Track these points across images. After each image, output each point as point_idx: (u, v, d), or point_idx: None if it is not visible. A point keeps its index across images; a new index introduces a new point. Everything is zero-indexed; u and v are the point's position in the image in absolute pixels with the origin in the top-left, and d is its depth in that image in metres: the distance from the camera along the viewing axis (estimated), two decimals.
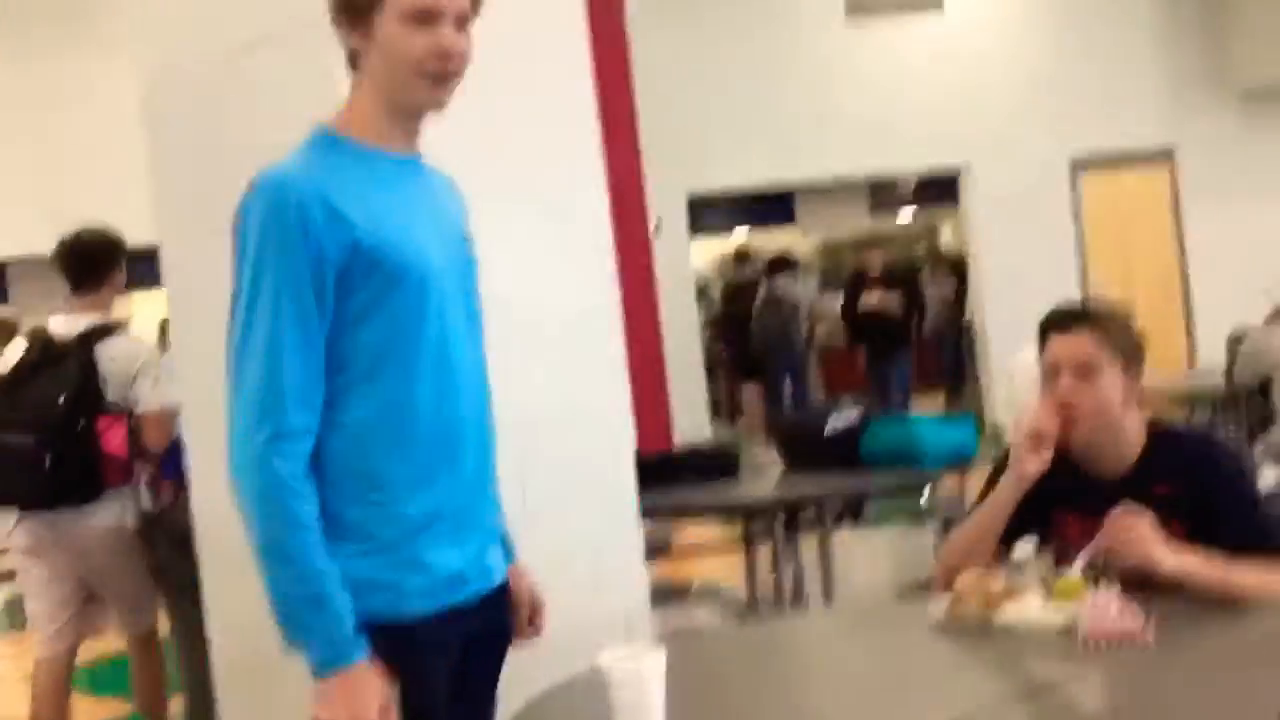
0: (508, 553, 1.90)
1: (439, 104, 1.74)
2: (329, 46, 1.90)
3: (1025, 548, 2.27)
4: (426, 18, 1.67)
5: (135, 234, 3.62)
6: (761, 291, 9.81)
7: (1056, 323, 2.21)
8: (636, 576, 2.94)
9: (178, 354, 3.05)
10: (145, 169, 2.97)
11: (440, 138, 2.57)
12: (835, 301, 10.17)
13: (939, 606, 2.07)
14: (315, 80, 2.46)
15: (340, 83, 1.80)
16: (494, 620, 1.82)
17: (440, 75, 1.70)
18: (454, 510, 1.73)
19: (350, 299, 1.64)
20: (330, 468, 1.64)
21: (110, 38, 5.96)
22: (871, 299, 8.88)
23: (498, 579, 1.82)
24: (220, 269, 1.74)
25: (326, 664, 1.59)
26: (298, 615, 1.61)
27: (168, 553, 3.42)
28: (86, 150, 7.35)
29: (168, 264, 2.98)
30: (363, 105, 1.74)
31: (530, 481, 2.68)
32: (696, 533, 5.60)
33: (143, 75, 2.95)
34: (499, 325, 2.64)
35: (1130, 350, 2.18)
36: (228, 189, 1.74)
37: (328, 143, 1.72)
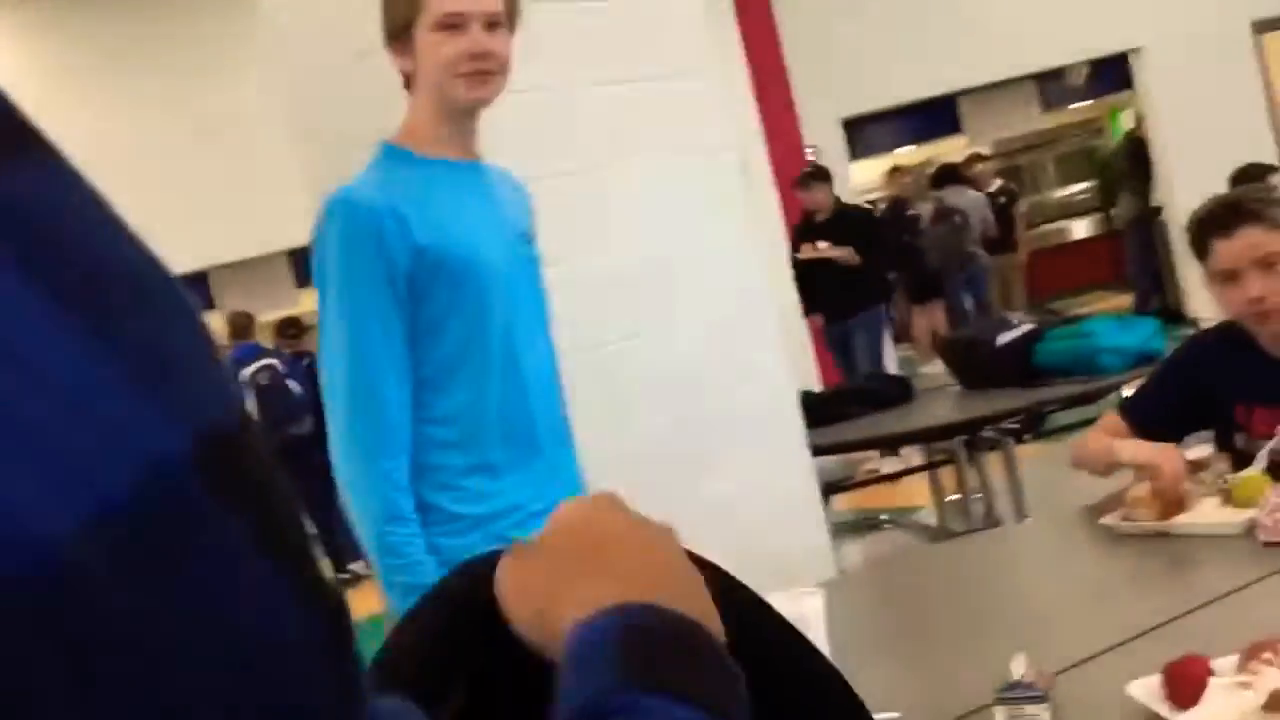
0: None
1: (482, 102, 1.84)
2: None
3: (1203, 448, 2.19)
4: (455, 24, 1.79)
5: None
6: (929, 207, 9.53)
7: (1217, 226, 2.10)
8: (813, 514, 2.96)
9: None
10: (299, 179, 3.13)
11: (583, 99, 2.63)
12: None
13: (1115, 516, 2.02)
14: None
15: None
16: None
17: (475, 74, 1.81)
18: (531, 499, 1.82)
19: (422, 307, 1.75)
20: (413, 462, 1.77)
21: (249, 63, 6.27)
22: (813, 248, 6.85)
23: None
24: None
25: None
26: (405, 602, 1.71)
27: None
28: (248, 166, 7.77)
29: None
30: (419, 117, 1.85)
31: (696, 432, 2.74)
32: (884, 463, 5.56)
33: (284, 87, 3.10)
34: (658, 280, 2.71)
35: None
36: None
37: (391, 156, 1.84)
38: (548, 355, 1.91)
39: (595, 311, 2.61)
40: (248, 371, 6.63)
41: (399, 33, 1.83)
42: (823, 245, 6.69)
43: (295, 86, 3.08)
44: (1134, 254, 9.89)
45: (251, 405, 6.52)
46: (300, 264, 10.35)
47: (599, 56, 2.71)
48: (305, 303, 11.47)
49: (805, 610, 1.59)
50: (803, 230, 7.10)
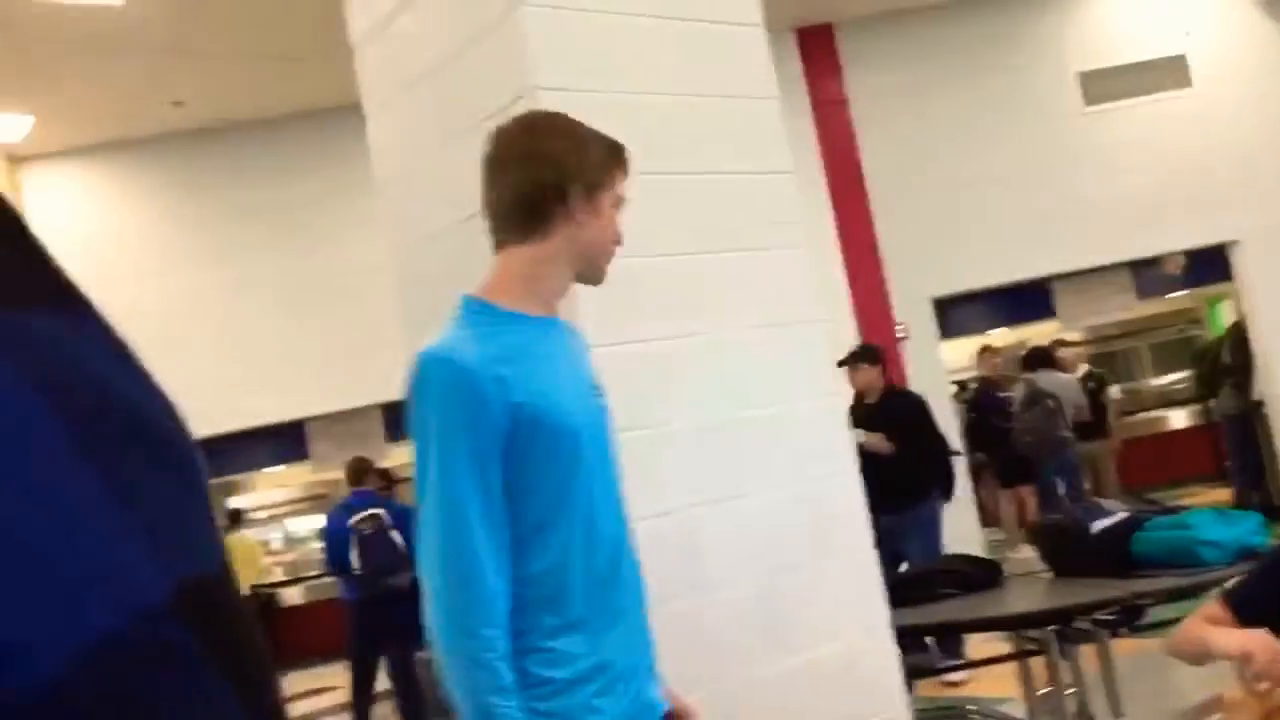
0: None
1: (604, 277, 1.91)
2: None
3: None
4: (619, 207, 1.86)
5: None
6: (1021, 389, 9.44)
7: None
8: (896, 698, 2.86)
9: None
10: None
11: (690, 274, 2.68)
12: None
13: None
14: None
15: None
16: None
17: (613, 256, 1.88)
18: (618, 658, 1.79)
19: (516, 466, 1.71)
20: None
21: (353, 223, 6.55)
22: (860, 436, 5.93)
23: (660, 711, 1.88)
24: None
25: None
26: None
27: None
28: (370, 318, 8.04)
29: None
30: (531, 272, 1.82)
31: (776, 607, 2.68)
32: (972, 649, 5.36)
33: (393, 248, 3.23)
34: (739, 446, 2.71)
35: None
36: None
37: (477, 310, 1.81)
38: (620, 510, 1.89)
39: (674, 475, 2.61)
40: (354, 519, 6.71)
41: (586, 190, 1.82)
42: (859, 434, 6.14)
43: (400, 246, 3.20)
44: (1234, 448, 9.63)
45: (355, 554, 6.59)
46: (391, 417, 10.55)
47: (696, 225, 2.77)
48: (395, 455, 11.66)
49: None
50: (854, 413, 6.83)
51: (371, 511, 6.86)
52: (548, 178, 1.80)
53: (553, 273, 1.83)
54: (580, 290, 2.46)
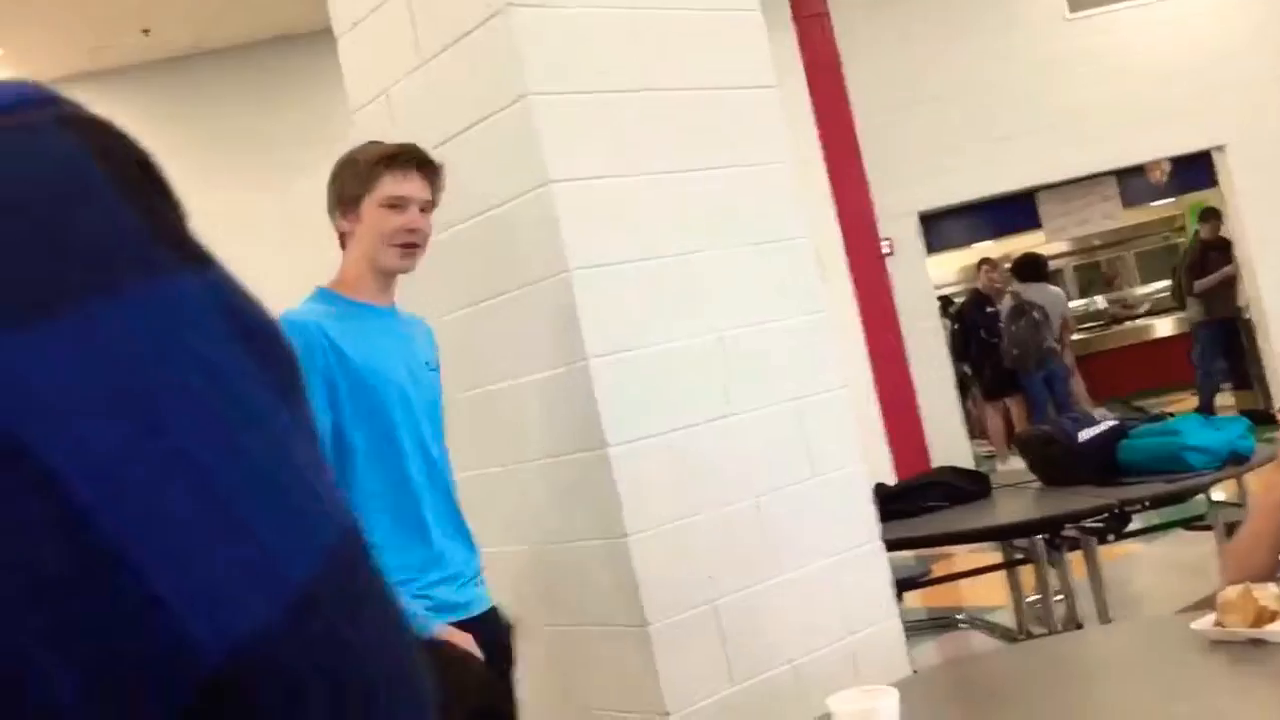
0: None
1: (407, 270, 2.36)
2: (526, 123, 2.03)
3: None
4: (397, 205, 2.30)
5: None
6: (1008, 301, 9.44)
7: None
8: (887, 610, 2.89)
9: None
10: None
11: (663, 179, 2.66)
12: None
13: (1206, 622, 1.94)
14: (520, 152, 2.59)
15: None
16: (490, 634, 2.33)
17: (406, 246, 2.32)
18: (408, 582, 2.22)
19: (343, 409, 2.21)
20: None
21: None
22: None
23: (481, 608, 2.37)
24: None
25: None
26: None
27: None
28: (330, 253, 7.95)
29: None
30: (352, 270, 2.35)
31: (764, 524, 2.69)
32: (961, 559, 5.43)
33: None
34: (723, 368, 2.70)
35: None
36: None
37: (325, 297, 2.33)
38: (440, 459, 2.39)
39: (660, 398, 2.60)
40: None
41: (349, 203, 2.32)
42: None
43: None
44: (1198, 357, 9.63)
45: None
46: None
47: (673, 145, 2.73)
48: None
49: (879, 708, 1.54)
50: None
51: None
52: (333, 194, 2.36)
53: (363, 266, 2.33)
54: (570, 209, 2.45)
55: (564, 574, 2.70)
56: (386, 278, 2.35)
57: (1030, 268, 9.56)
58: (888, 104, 8.92)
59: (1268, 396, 9.15)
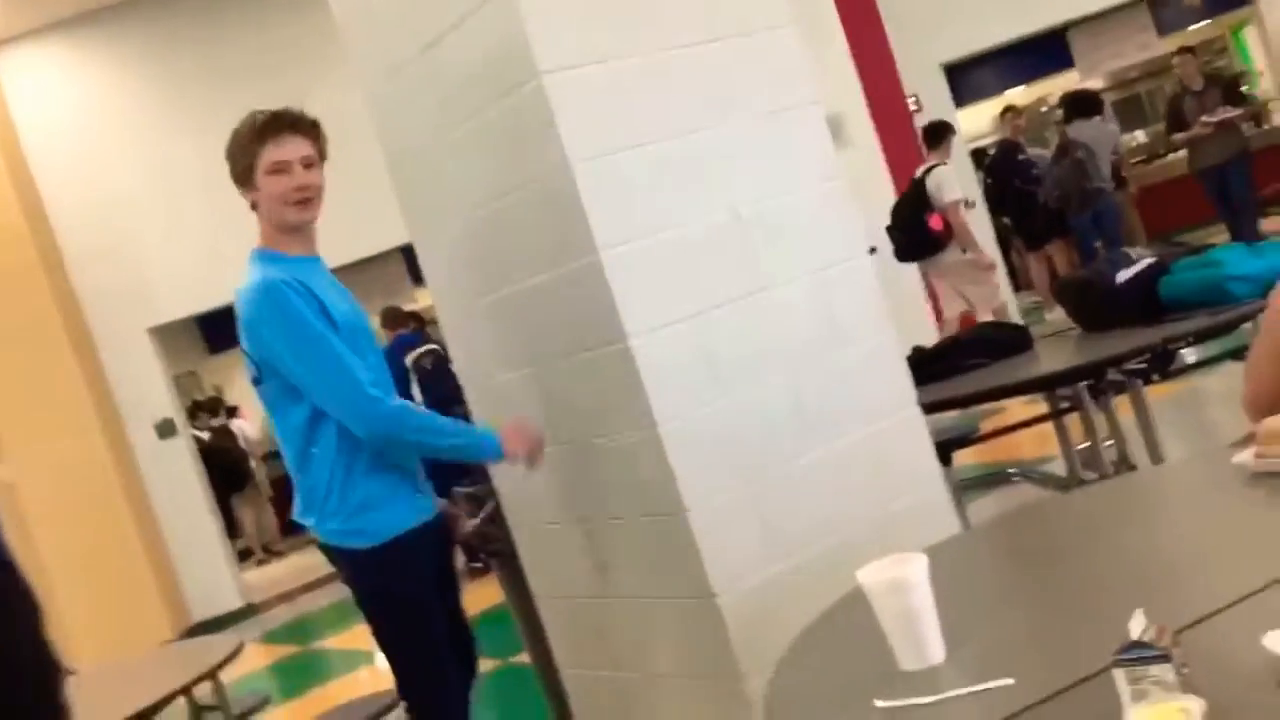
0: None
1: (307, 222, 2.65)
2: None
3: None
4: (281, 169, 2.58)
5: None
6: (1054, 141, 9.16)
7: None
8: (929, 471, 2.85)
9: (449, 337, 3.22)
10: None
11: (658, 57, 2.56)
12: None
13: (1247, 455, 1.88)
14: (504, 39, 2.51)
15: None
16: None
17: (300, 203, 2.61)
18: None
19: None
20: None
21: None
22: None
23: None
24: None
25: (493, 443, 2.62)
26: (465, 450, 2.68)
27: (490, 524, 3.64)
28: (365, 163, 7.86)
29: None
30: (270, 232, 2.65)
31: (797, 399, 2.65)
32: (1010, 414, 5.38)
33: (362, 87, 3.10)
34: (744, 245, 2.63)
35: None
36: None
37: (267, 258, 2.62)
38: (387, 381, 2.74)
39: (677, 284, 2.55)
40: (411, 357, 6.94)
41: (244, 176, 2.61)
42: None
43: (368, 83, 3.08)
44: (1213, 194, 9.09)
45: (416, 389, 6.78)
46: (411, 258, 10.49)
47: (666, 21, 2.63)
48: (421, 298, 11.67)
49: (907, 574, 1.51)
50: None
51: (429, 347, 7.06)
52: (231, 171, 2.64)
53: (273, 227, 2.63)
54: (565, 101, 2.37)
55: (600, 469, 2.69)
56: (301, 231, 2.65)
57: (1077, 105, 9.18)
58: None
59: None
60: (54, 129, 8.50)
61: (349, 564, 2.66)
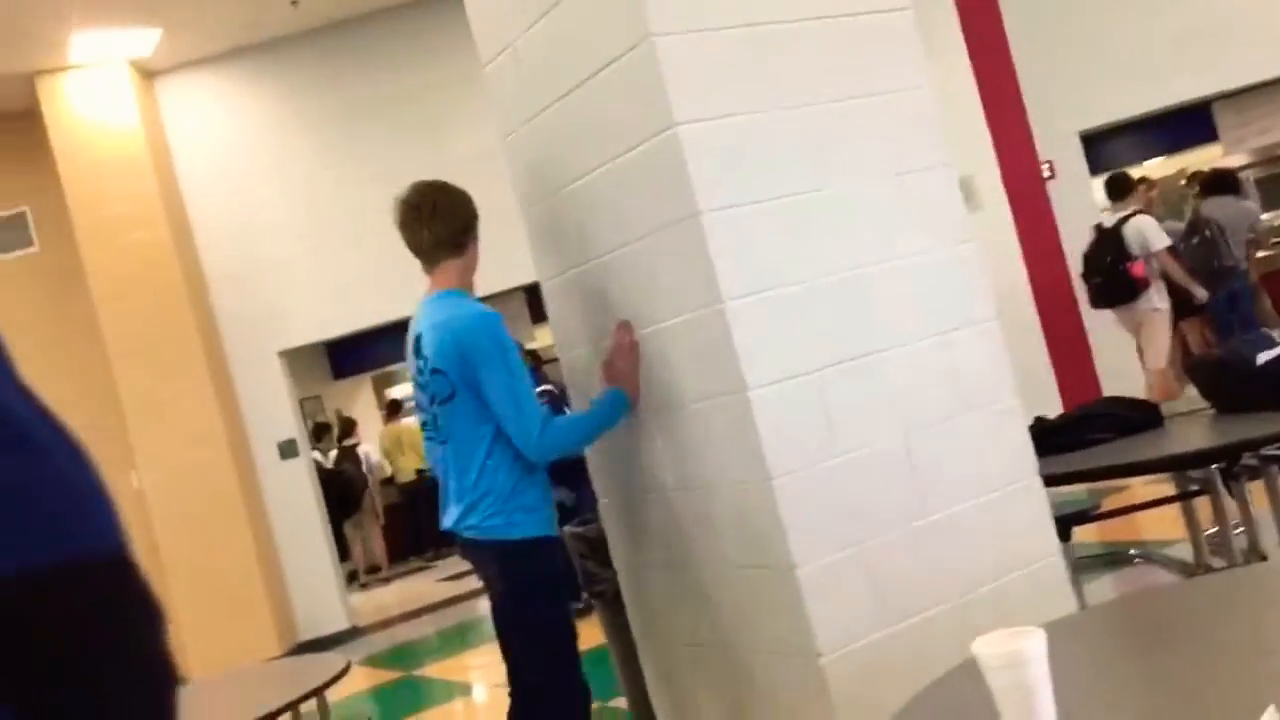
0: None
1: None
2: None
3: None
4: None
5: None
6: (1188, 217, 8.92)
7: None
8: (1047, 547, 2.78)
9: (568, 377, 3.26)
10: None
11: (792, 114, 2.57)
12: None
13: None
14: (646, 89, 2.55)
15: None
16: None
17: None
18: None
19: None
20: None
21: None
22: None
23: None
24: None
25: (622, 399, 2.85)
26: (612, 422, 2.89)
27: (595, 562, 3.65)
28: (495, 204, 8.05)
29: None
30: (467, 283, 3.11)
31: (914, 462, 2.62)
32: (1135, 493, 5.21)
33: (501, 133, 3.19)
34: (869, 303, 2.62)
35: None
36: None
37: (463, 295, 3.07)
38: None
39: (800, 338, 2.54)
40: None
41: (462, 234, 3.09)
42: None
43: (508, 131, 3.16)
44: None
45: None
46: (533, 299, 10.64)
47: (802, 77, 2.64)
48: (541, 337, 11.83)
49: (1025, 648, 1.48)
50: None
51: (545, 387, 7.12)
52: (451, 228, 3.08)
53: (459, 277, 3.10)
54: (698, 151, 2.40)
55: (711, 515, 2.69)
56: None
57: (1212, 182, 9.00)
58: (1041, 17, 8.50)
59: None
60: (205, 157, 8.90)
61: (499, 554, 2.98)
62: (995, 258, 7.53)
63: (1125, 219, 7.52)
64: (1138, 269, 7.43)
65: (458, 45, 8.08)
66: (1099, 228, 7.67)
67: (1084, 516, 4.25)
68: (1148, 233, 7.43)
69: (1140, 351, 7.88)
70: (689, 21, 2.54)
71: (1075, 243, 8.39)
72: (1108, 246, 7.55)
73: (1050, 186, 8.62)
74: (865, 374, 2.61)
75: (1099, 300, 7.67)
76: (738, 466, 2.55)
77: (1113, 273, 7.49)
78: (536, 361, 8.25)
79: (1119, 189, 7.78)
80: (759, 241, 2.54)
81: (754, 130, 2.57)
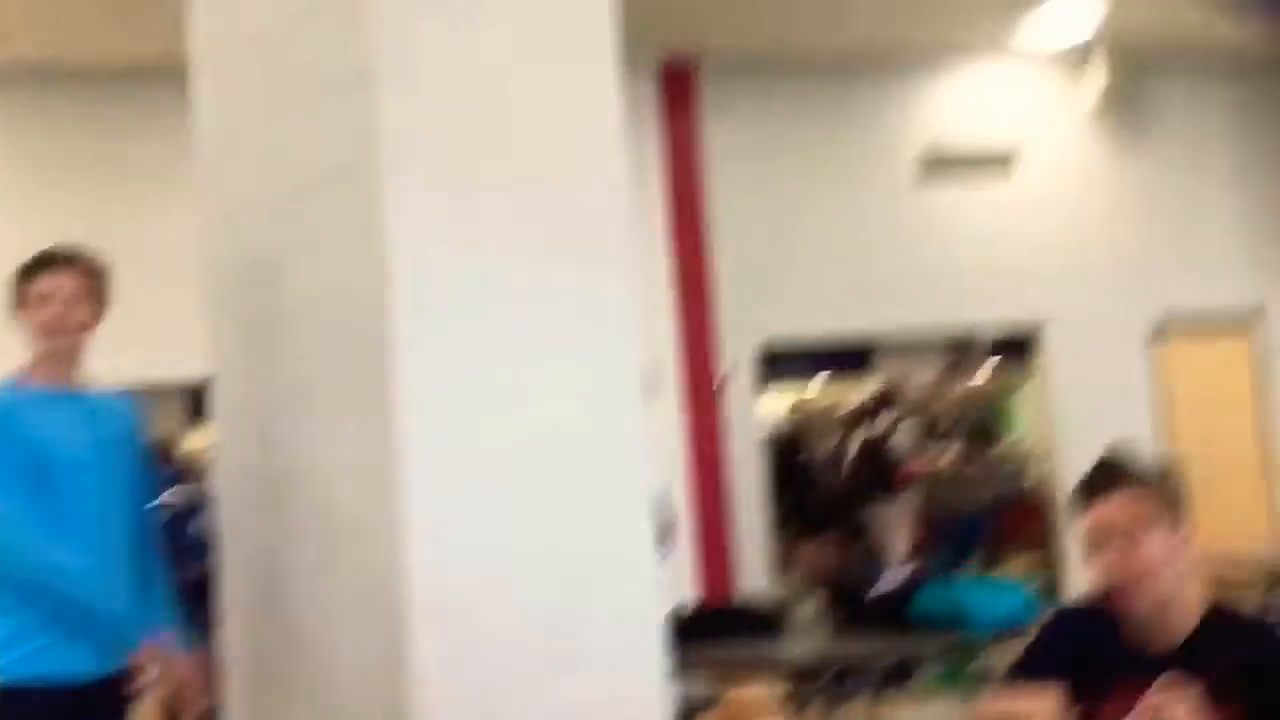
0: None
1: (65, 352, 2.77)
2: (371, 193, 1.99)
3: None
4: (44, 300, 2.73)
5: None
6: (858, 436, 9.75)
7: (1090, 489, 2.11)
8: None
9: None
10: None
11: (486, 283, 2.60)
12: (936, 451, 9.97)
13: None
14: (360, 222, 2.55)
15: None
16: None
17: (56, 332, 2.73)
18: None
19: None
20: None
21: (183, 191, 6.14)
22: None
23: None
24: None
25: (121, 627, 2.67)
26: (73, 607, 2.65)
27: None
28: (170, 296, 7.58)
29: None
30: (32, 360, 2.79)
31: (549, 628, 2.63)
32: (749, 690, 5.42)
33: (205, 222, 3.07)
34: (529, 467, 2.64)
35: (1174, 503, 2.08)
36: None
37: (12, 385, 2.77)
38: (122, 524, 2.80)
39: (470, 505, 2.55)
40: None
41: (19, 305, 2.76)
42: None
43: (214, 216, 3.06)
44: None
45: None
46: (194, 396, 10.01)
47: (513, 234, 2.70)
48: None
49: None
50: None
51: (168, 500, 6.64)
52: (12, 298, 2.80)
53: (37, 355, 2.78)
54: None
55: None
56: (64, 359, 2.77)
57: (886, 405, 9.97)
58: (744, 233, 9.14)
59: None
60: None
61: None
62: (660, 451, 7.81)
63: None
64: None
65: (165, 120, 7.73)
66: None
67: (697, 708, 4.37)
68: None
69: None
70: (415, 159, 2.55)
71: (737, 447, 8.82)
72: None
73: (723, 389, 9.10)
74: (522, 540, 2.62)
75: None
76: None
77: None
78: (173, 459, 7.60)
79: None
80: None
81: (461, 273, 2.59)
